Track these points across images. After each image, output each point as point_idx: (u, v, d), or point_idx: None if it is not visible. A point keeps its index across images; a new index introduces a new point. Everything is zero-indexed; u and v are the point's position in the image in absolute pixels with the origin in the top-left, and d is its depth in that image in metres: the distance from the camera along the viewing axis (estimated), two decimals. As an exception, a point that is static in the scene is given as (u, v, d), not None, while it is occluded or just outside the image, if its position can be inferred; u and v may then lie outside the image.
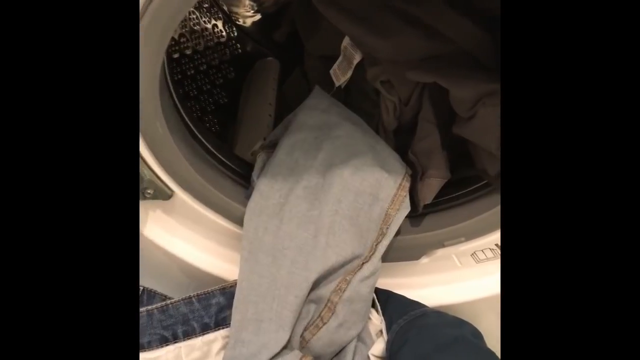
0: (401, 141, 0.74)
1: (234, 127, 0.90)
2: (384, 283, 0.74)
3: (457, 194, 0.70)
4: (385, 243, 0.65)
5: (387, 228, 0.65)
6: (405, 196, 0.65)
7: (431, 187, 0.65)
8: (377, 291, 0.71)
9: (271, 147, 0.71)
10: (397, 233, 0.70)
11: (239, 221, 0.67)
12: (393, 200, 0.65)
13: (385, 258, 0.71)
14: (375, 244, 0.65)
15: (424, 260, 0.72)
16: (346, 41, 0.77)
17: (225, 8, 0.97)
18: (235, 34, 0.99)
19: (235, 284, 0.66)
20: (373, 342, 0.67)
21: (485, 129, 0.59)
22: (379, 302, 0.69)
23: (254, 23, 1.00)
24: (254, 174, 0.68)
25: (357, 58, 0.75)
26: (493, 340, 0.70)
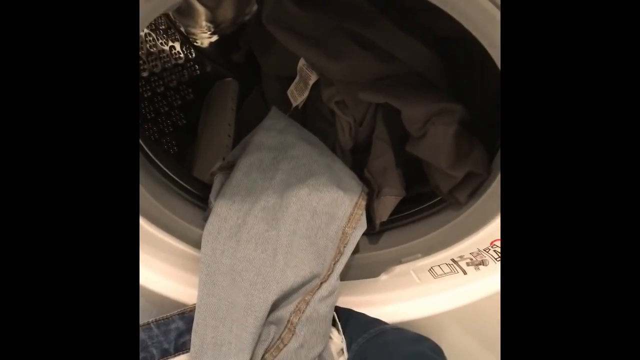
0: (358, 160, 0.76)
1: (192, 147, 0.90)
2: (345, 301, 0.74)
3: (413, 210, 0.72)
4: (343, 261, 0.65)
5: (345, 247, 0.65)
6: (361, 214, 0.66)
7: (386, 205, 0.66)
8: (338, 310, 0.71)
9: (229, 168, 0.71)
10: (356, 251, 0.71)
11: (196, 244, 0.67)
12: (350, 219, 0.65)
13: (345, 276, 0.72)
14: (333, 263, 0.65)
15: (383, 277, 0.73)
16: (302, 62, 0.78)
17: (182, 29, 0.97)
18: (193, 55, 0.99)
19: (194, 308, 0.65)
20: (334, 361, 0.67)
21: (435, 147, 0.61)
22: (339, 321, 0.69)
23: (211, 44, 1.00)
24: (212, 195, 0.68)
25: (312, 79, 0.76)
26: (457, 352, 0.71)
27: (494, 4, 0.44)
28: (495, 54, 0.48)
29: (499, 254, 0.66)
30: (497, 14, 0.44)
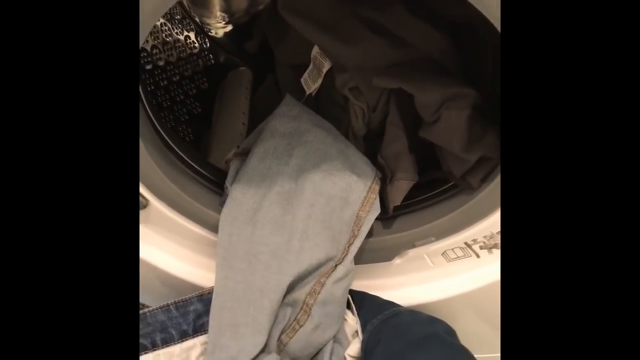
0: (371, 146, 0.77)
1: (207, 136, 0.91)
2: (359, 285, 0.75)
3: (426, 195, 0.72)
4: (357, 244, 0.66)
5: (359, 230, 0.66)
6: (375, 198, 0.67)
7: (400, 189, 0.67)
8: (353, 293, 0.72)
9: (244, 154, 0.72)
10: (370, 235, 0.72)
11: (213, 228, 0.68)
12: (363, 203, 0.66)
13: (359, 260, 0.73)
14: (347, 245, 0.67)
15: (397, 261, 0.74)
16: (315, 50, 0.78)
17: (197, 19, 0.98)
18: (208, 45, 1.01)
19: (212, 291, 0.67)
20: (349, 343, 0.68)
21: (449, 132, 0.62)
22: (354, 303, 0.71)
23: (226, 34, 1.01)
24: (227, 181, 0.69)
25: (326, 66, 0.77)
26: (470, 335, 0.72)
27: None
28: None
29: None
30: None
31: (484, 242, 0.68)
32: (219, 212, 0.67)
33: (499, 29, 0.47)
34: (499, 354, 0.86)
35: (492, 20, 0.47)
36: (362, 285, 0.75)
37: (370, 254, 0.73)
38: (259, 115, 0.89)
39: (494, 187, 0.61)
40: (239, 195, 0.67)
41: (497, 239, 0.67)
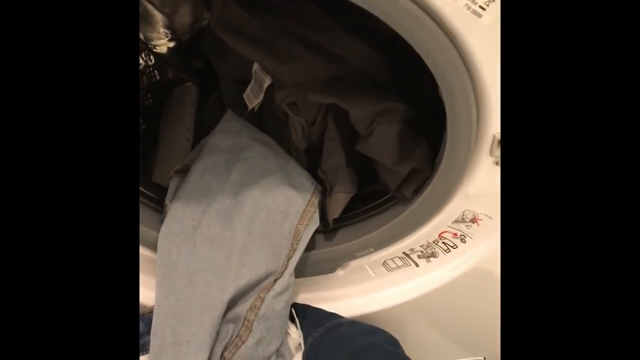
0: (314, 159, 0.78)
1: (152, 153, 0.91)
2: (304, 298, 0.76)
3: (366, 207, 0.74)
4: (295, 258, 0.67)
5: (297, 243, 0.67)
6: (314, 212, 0.68)
7: (338, 202, 0.68)
8: (296, 306, 0.73)
9: (184, 171, 0.72)
10: (312, 248, 0.73)
11: (153, 246, 0.68)
12: (302, 216, 0.67)
13: (302, 273, 0.74)
14: (287, 259, 0.67)
15: (340, 272, 0.75)
16: (256, 66, 0.79)
17: (141, 36, 0.98)
18: (152, 61, 1.00)
19: (153, 310, 0.66)
20: (292, 357, 0.69)
21: (381, 145, 0.63)
22: (297, 316, 0.71)
23: (170, 50, 1.01)
24: (167, 198, 0.69)
25: (267, 82, 0.78)
26: (415, 343, 0.74)
27: (425, 11, 0.46)
28: (428, 60, 0.50)
29: (448, 246, 0.69)
30: (420, 13, 0.46)
31: (422, 252, 0.70)
32: (158, 230, 0.67)
33: (414, 47, 0.49)
34: (443, 360, 0.88)
35: (409, 41, 0.49)
36: (307, 298, 0.76)
37: (314, 267, 0.74)
38: (205, 131, 0.89)
39: (427, 197, 0.63)
40: (178, 213, 0.67)
41: (434, 248, 0.69)
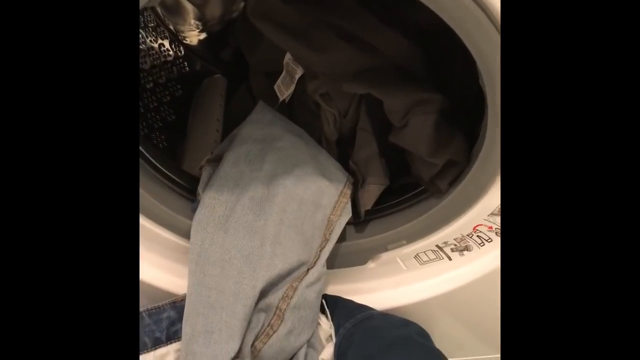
0: (344, 151, 0.78)
1: (182, 143, 0.91)
2: (334, 289, 0.76)
3: (397, 200, 0.73)
4: (328, 248, 0.67)
5: (330, 234, 0.67)
6: (346, 202, 0.68)
7: (371, 193, 0.68)
8: (327, 297, 0.73)
9: (217, 161, 0.73)
10: (343, 239, 0.73)
11: (186, 234, 0.68)
12: (335, 207, 0.67)
13: (333, 265, 0.73)
14: (319, 249, 0.67)
15: (371, 265, 0.74)
16: (288, 57, 0.79)
17: (171, 27, 0.98)
18: (182, 52, 1.01)
19: (185, 298, 0.67)
20: (323, 347, 0.69)
21: (416, 136, 0.63)
22: (327, 307, 0.71)
23: (200, 41, 1.02)
24: (200, 187, 0.70)
25: (298, 73, 0.78)
26: (444, 337, 0.73)
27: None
28: (472, 47, 0.50)
29: (483, 240, 0.68)
30: (472, 5, 0.46)
31: (455, 245, 0.69)
32: (191, 218, 0.67)
33: (460, 36, 0.49)
34: (473, 357, 0.88)
35: (456, 30, 0.49)
36: (337, 289, 0.76)
37: (344, 259, 0.74)
38: (233, 122, 0.89)
39: (462, 190, 0.63)
40: (211, 201, 0.67)
41: (468, 242, 0.69)
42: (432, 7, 0.47)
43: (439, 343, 0.67)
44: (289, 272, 0.66)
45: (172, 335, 0.68)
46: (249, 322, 0.66)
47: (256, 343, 0.67)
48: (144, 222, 0.67)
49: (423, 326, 0.68)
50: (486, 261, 0.69)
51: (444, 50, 0.72)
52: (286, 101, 0.83)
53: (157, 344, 0.67)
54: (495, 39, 0.47)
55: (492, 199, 0.62)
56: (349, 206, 0.68)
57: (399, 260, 0.74)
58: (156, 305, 0.68)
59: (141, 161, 0.69)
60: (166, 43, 0.98)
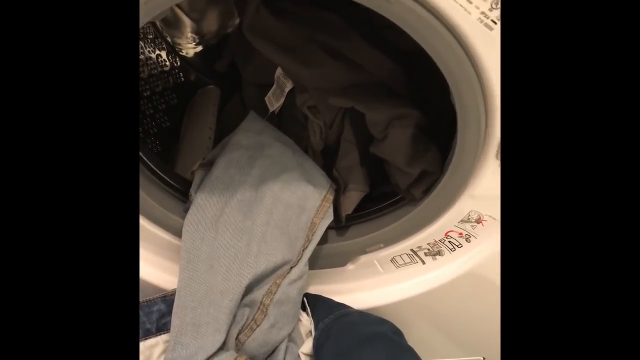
0: (328, 160, 0.83)
1: (175, 148, 0.96)
2: (315, 289, 0.81)
3: (376, 207, 0.79)
4: (310, 248, 0.72)
5: (313, 235, 0.72)
6: (329, 207, 0.73)
7: (351, 199, 0.73)
8: (308, 296, 0.77)
9: (208, 165, 0.77)
10: (324, 242, 0.78)
11: (177, 233, 0.73)
12: (318, 210, 0.72)
13: (314, 265, 0.78)
14: (302, 249, 0.72)
15: (350, 267, 0.79)
16: (279, 71, 0.85)
17: (169, 39, 1.04)
18: (178, 63, 1.06)
19: (175, 292, 0.71)
20: (303, 342, 0.73)
21: (395, 148, 0.68)
22: (308, 305, 0.76)
23: (196, 54, 1.07)
24: (192, 189, 0.74)
25: (288, 86, 0.84)
26: (417, 337, 0.77)
27: (443, 23, 0.52)
28: (442, 67, 0.55)
29: (454, 245, 0.73)
30: (444, 31, 0.52)
31: (428, 249, 0.75)
32: (184, 218, 0.72)
33: (433, 57, 0.55)
34: (443, 359, 0.92)
35: (428, 51, 0.55)
36: (317, 289, 0.80)
37: (325, 260, 0.79)
38: (225, 130, 0.94)
39: (434, 198, 0.68)
40: (203, 202, 0.72)
41: (440, 247, 0.74)
42: (407, 30, 0.53)
43: (411, 343, 0.71)
44: (274, 270, 0.71)
45: (162, 327, 0.72)
46: (234, 317, 0.71)
47: (240, 336, 0.71)
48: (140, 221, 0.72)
49: (397, 326, 0.73)
50: (457, 265, 0.75)
51: (422, 69, 0.78)
52: (276, 112, 0.88)
53: (147, 334, 0.71)
54: (460, 56, 0.53)
55: (463, 206, 0.68)
56: (331, 210, 0.73)
57: (377, 263, 0.79)
58: (148, 298, 0.72)
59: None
60: (163, 54, 1.03)
